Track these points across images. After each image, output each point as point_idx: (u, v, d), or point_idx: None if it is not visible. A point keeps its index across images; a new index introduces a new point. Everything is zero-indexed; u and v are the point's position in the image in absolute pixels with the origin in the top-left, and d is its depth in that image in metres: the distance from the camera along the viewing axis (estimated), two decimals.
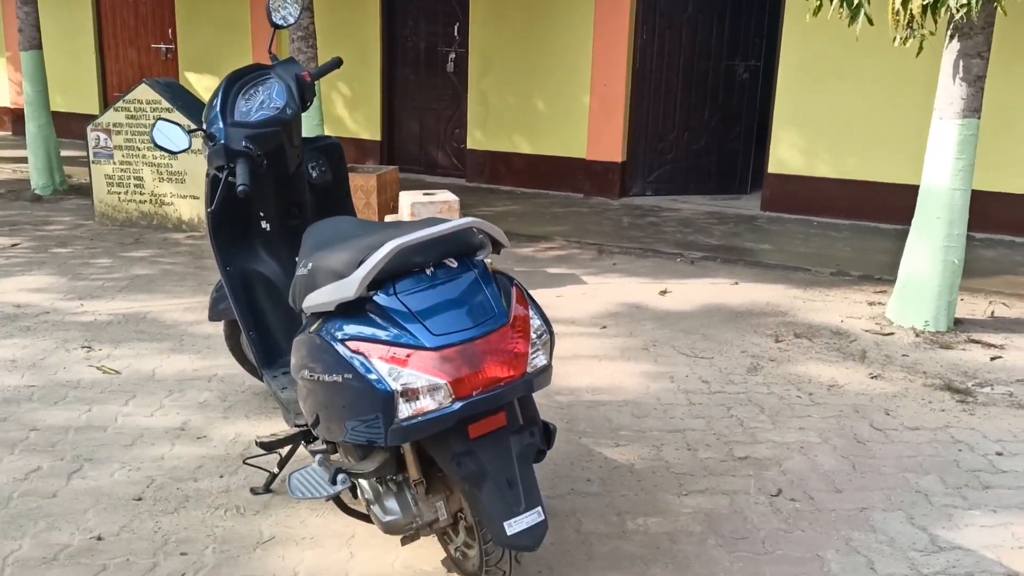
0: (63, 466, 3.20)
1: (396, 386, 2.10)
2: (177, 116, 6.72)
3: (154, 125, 2.80)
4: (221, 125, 2.90)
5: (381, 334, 2.14)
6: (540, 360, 2.26)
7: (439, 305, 2.18)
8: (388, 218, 5.89)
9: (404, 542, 2.51)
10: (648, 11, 8.29)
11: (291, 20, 3.23)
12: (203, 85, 10.38)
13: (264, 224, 3.23)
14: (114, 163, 6.98)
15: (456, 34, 9.10)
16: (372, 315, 2.19)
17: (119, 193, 7.05)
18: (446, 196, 5.74)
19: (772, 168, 8.04)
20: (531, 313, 2.29)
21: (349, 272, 2.20)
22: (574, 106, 8.63)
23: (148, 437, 3.45)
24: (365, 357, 2.13)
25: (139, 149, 6.89)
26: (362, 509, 2.56)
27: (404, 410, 2.10)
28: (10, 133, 11.75)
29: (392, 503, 2.39)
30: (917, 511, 3.05)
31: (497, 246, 2.39)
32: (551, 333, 2.34)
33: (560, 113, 8.73)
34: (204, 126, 2.99)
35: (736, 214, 8.10)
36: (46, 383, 3.94)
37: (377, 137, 9.67)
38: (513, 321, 2.21)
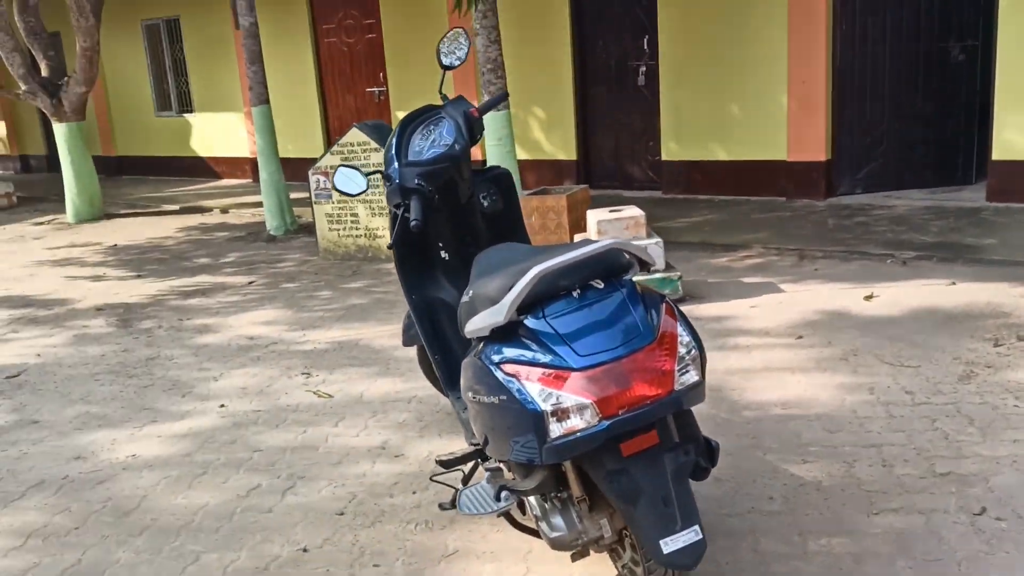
0: (279, 484, 3.54)
1: (545, 407, 2.18)
2: (380, 155, 7.23)
3: (335, 171, 3.06)
4: (396, 166, 3.12)
5: (531, 356, 2.24)
6: (690, 377, 2.26)
7: (586, 326, 2.25)
8: (577, 237, 6.00)
9: (574, 558, 2.58)
10: None
11: (458, 62, 3.42)
12: None
13: (443, 254, 3.43)
14: (332, 202, 7.60)
15: (646, 47, 9.12)
16: (524, 338, 2.29)
17: (338, 230, 7.66)
18: (632, 212, 5.77)
19: (997, 155, 7.40)
20: (680, 330, 2.30)
21: (501, 297, 2.32)
22: (771, 107, 8.38)
23: (353, 456, 3.75)
24: (517, 379, 2.23)
25: None
26: (532, 525, 2.66)
27: (555, 429, 2.18)
28: (251, 180, 13.03)
29: (558, 520, 2.46)
30: None
31: (644, 265, 2.42)
32: (701, 349, 2.33)
33: (756, 115, 8.50)
34: (383, 168, 3.23)
35: (957, 207, 7.52)
36: (270, 408, 4.37)
37: (573, 157, 9.84)
38: (660, 339, 2.23)
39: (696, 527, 2.21)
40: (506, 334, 2.33)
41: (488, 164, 6.98)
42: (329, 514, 3.26)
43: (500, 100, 3.57)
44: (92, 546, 3.15)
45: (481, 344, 2.43)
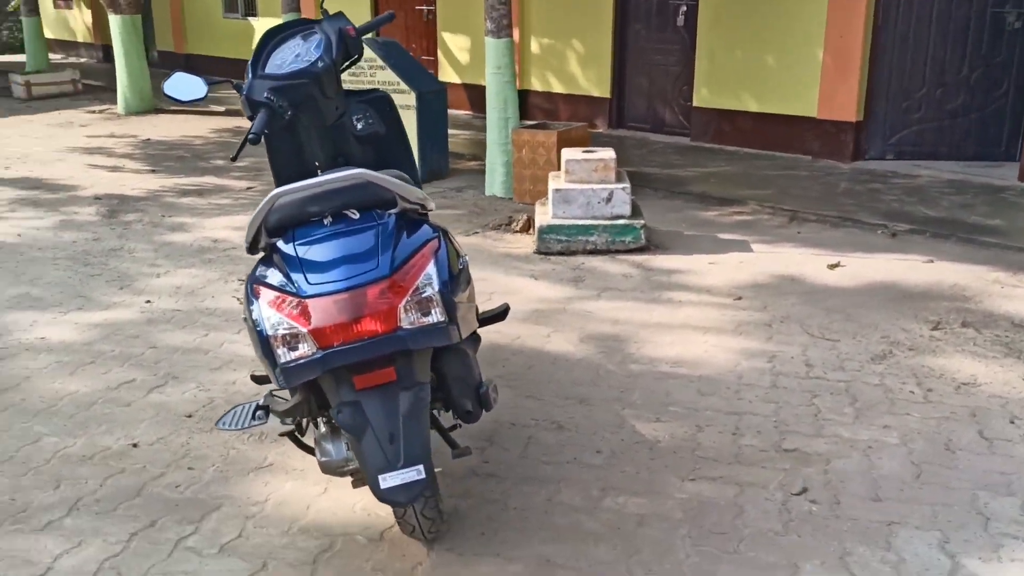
0: (151, 381, 3.65)
1: (271, 331, 2.18)
2: (388, 73, 7.19)
3: (169, 76, 3.03)
4: (250, 78, 3.09)
5: (272, 280, 2.23)
6: (430, 318, 2.21)
7: (325, 254, 2.22)
8: (551, 175, 5.88)
9: (355, 485, 2.59)
10: None
11: None
12: (456, 44, 10.91)
13: (319, 174, 3.41)
14: None
15: None
16: (274, 261, 2.28)
17: None
18: (604, 154, 5.61)
19: None
20: (430, 270, 2.24)
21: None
22: (806, 59, 7.96)
23: (234, 364, 3.82)
24: (256, 300, 2.23)
25: None
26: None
27: (283, 355, 2.18)
28: None
29: (328, 445, 2.47)
30: (960, 536, 2.58)
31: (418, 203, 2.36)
32: (449, 293, 2.27)
33: (790, 68, 8.10)
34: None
35: (984, 184, 7.07)
36: (190, 309, 4.48)
37: (607, 94, 9.59)
38: (395, 276, 2.18)
39: (420, 467, 2.19)
40: (268, 255, 2.33)
41: (487, 92, 6.87)
42: (179, 416, 3.35)
43: (383, 21, 3.47)
44: None
45: (256, 262, 2.43)
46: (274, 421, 2.49)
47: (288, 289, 2.19)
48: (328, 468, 2.48)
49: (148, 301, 4.58)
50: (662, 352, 3.93)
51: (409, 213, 2.43)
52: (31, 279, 4.94)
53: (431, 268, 2.24)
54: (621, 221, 5.46)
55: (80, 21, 18.15)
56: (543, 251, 5.45)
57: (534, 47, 10.12)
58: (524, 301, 4.58)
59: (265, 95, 2.97)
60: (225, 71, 14.59)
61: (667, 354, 3.91)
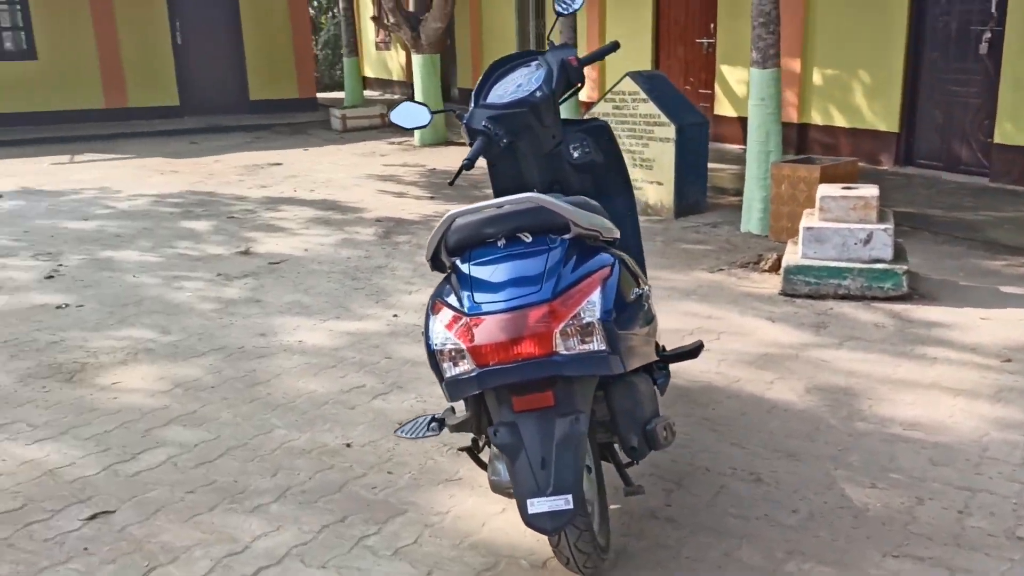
0: (379, 388, 3.92)
1: (439, 346, 2.26)
2: (649, 106, 7.21)
3: (398, 105, 3.23)
4: (472, 107, 3.24)
5: (448, 297, 2.31)
6: (589, 346, 2.18)
7: (494, 275, 2.26)
8: (806, 212, 5.56)
9: None
10: None
11: (570, 10, 3.42)
12: (734, 77, 10.70)
13: None
14: None
15: (994, 9, 7.91)
16: (451, 279, 2.37)
17: None
18: (866, 191, 5.21)
19: None
20: (594, 298, 2.20)
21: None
22: None
23: None
24: (433, 315, 2.32)
25: (620, 137, 7.52)
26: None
27: (448, 369, 2.25)
28: None
29: (499, 464, 2.51)
30: None
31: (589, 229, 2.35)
32: (613, 323, 2.21)
33: None
34: None
35: None
36: None
37: (895, 129, 8.91)
38: (557, 301, 2.18)
39: (568, 496, 2.16)
40: (448, 274, 2.42)
41: (749, 125, 6.67)
42: (392, 422, 3.56)
43: (608, 51, 3.48)
44: (210, 403, 3.78)
45: (441, 280, 2.54)
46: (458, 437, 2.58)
47: (457, 307, 2.26)
48: (496, 487, 2.52)
49: (395, 315, 4.93)
50: (897, 412, 3.57)
51: (589, 240, 2.42)
52: (305, 288, 5.50)
53: (596, 295, 2.22)
54: (880, 265, 5.04)
55: (395, 61, 20.01)
56: (789, 293, 5.16)
57: (816, 78, 9.66)
58: (754, 344, 4.37)
59: (483, 124, 3.11)
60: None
61: (903, 415, 3.54)
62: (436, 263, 2.45)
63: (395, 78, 20.19)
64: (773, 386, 3.86)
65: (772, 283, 5.34)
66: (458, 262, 2.38)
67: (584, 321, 2.18)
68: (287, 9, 16.71)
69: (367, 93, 18.79)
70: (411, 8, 12.11)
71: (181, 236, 7.02)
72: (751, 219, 6.73)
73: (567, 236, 2.34)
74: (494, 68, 3.34)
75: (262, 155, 11.73)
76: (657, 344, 3.89)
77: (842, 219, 5.20)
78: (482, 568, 2.57)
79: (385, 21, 12.70)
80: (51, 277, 5.79)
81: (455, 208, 2.43)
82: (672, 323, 4.67)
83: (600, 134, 3.44)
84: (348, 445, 3.38)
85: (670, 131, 7.14)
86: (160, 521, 2.82)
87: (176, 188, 9.27)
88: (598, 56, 3.48)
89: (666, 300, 5.08)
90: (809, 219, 5.36)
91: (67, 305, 5.16)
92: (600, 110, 7.64)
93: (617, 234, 2.57)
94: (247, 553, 2.64)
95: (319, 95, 18.45)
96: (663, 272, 5.67)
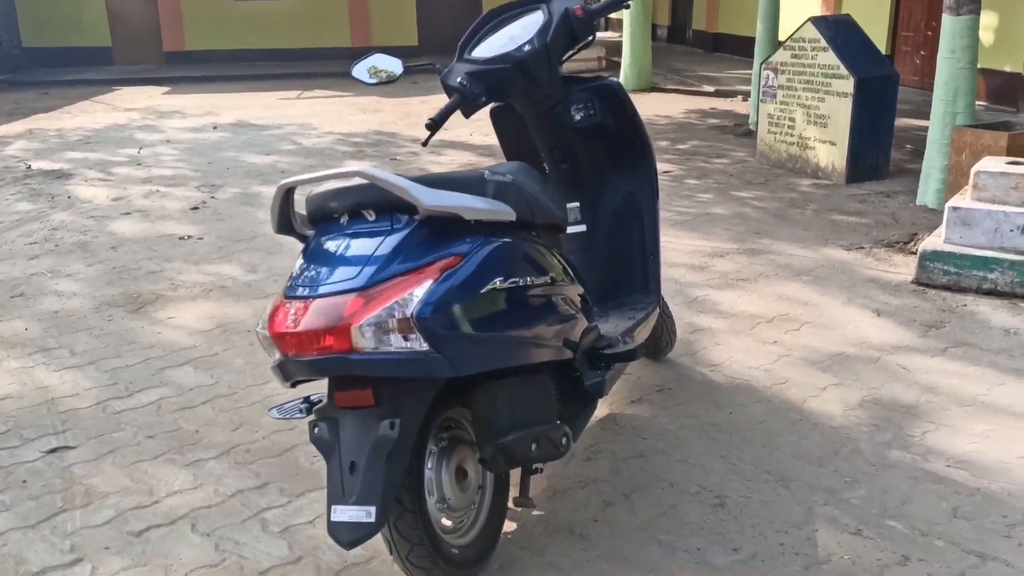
0: None
1: (259, 328, 2.09)
2: (828, 55, 6.39)
3: (363, 58, 2.98)
4: (455, 59, 2.95)
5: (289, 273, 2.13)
6: (405, 344, 1.90)
7: (322, 256, 2.03)
8: (963, 190, 4.67)
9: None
10: None
11: None
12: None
13: (545, 165, 3.18)
14: (776, 102, 7.01)
15: None
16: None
17: (776, 133, 7.08)
18: None
19: None
20: (418, 291, 1.92)
21: None
22: None
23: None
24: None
25: (796, 89, 6.77)
26: None
27: (272, 352, 2.08)
28: None
29: None
30: None
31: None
32: (441, 320, 1.91)
33: None
34: None
35: None
36: None
37: None
38: (370, 291, 1.91)
39: (371, 509, 1.93)
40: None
41: (936, 81, 5.71)
42: None
43: (622, 1, 3.03)
44: (234, 347, 3.84)
45: None
46: None
47: (284, 285, 2.08)
48: None
49: None
50: (955, 443, 2.91)
51: (472, 223, 2.10)
52: None
53: (421, 288, 1.93)
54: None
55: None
56: (923, 282, 4.39)
57: None
58: (835, 340, 3.76)
59: (459, 80, 2.84)
60: (748, 50, 14.38)
61: (958, 448, 2.89)
62: (293, 233, 2.25)
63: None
64: (822, 394, 3.29)
65: (910, 268, 4.57)
66: (311, 235, 2.18)
67: (397, 316, 1.91)
68: None
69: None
70: None
71: None
72: (928, 190, 5.81)
73: (417, 216, 2.06)
74: (488, 18, 3.03)
75: None
76: (664, 339, 3.45)
77: (999, 199, 4.32)
78: (354, 561, 2.41)
79: None
80: (196, 208, 6.21)
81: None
82: (754, 307, 4.14)
83: (609, 95, 3.04)
84: None
85: (848, 84, 6.28)
86: (105, 463, 2.91)
87: (366, 128, 9.61)
88: (611, 6, 3.06)
89: (767, 279, 4.51)
90: (959, 198, 4.51)
91: (189, 237, 5.51)
92: (779, 58, 6.89)
93: (506, 217, 2.22)
94: (150, 509, 2.65)
95: None
96: (786, 245, 5.05)
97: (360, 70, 2.93)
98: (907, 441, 2.94)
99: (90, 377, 3.56)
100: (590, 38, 2.96)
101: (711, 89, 11.40)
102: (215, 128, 9.73)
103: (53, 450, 3.00)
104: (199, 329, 4.04)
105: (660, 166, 7.08)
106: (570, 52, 2.99)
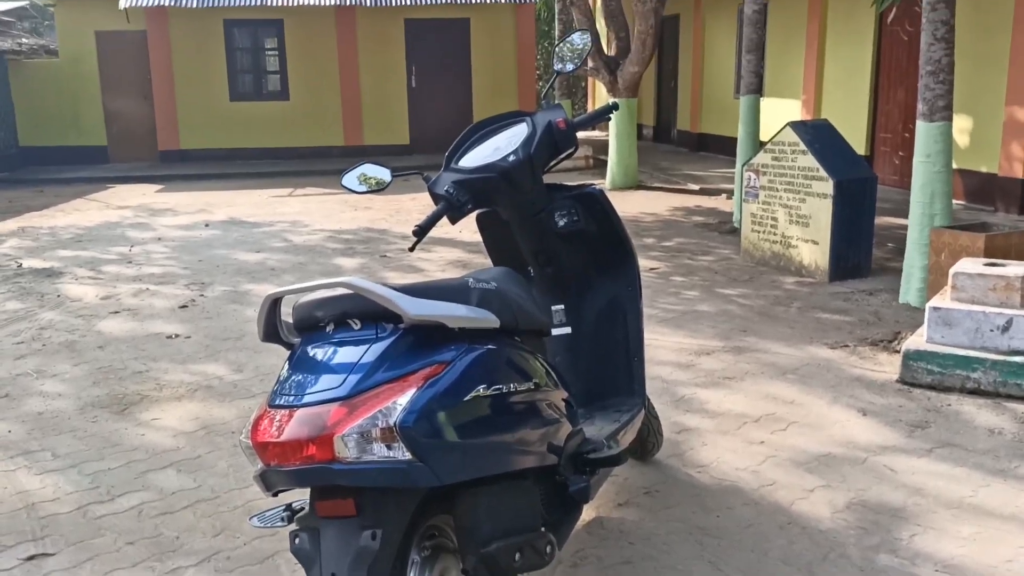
0: None
1: (242, 436, 2.09)
2: (808, 158, 6.57)
3: (353, 167, 3.06)
4: (442, 169, 3.04)
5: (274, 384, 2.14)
6: (388, 453, 1.90)
7: (308, 365, 2.05)
8: (942, 291, 4.75)
9: None
10: None
11: (572, 67, 3.16)
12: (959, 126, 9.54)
13: (530, 269, 3.24)
14: (758, 202, 7.17)
15: None
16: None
17: (759, 232, 7.22)
18: (1013, 270, 4.36)
19: None
20: (402, 400, 1.93)
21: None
22: None
23: None
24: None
25: (777, 190, 6.93)
26: None
27: (255, 461, 2.07)
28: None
29: None
30: None
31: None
32: (425, 428, 1.93)
33: None
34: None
35: None
36: None
37: None
38: (353, 400, 1.93)
39: None
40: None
41: (912, 184, 5.87)
42: None
43: (604, 113, 3.15)
44: (219, 450, 3.82)
45: None
46: None
47: (269, 394, 2.09)
48: None
49: None
50: (942, 547, 2.89)
51: (452, 331, 2.13)
52: None
53: (404, 397, 1.94)
54: (1020, 359, 4.19)
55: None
56: (908, 381, 4.42)
57: None
58: (822, 441, 3.76)
59: (446, 188, 2.91)
60: (731, 150, 14.76)
61: (946, 552, 2.86)
62: (280, 341, 2.27)
63: None
64: (810, 496, 3.28)
65: (895, 367, 4.60)
66: (297, 344, 2.20)
67: (379, 426, 1.92)
68: (515, 53, 17.17)
69: None
70: (612, 52, 11.99)
71: (327, 272, 7.32)
72: (910, 289, 5.90)
73: (402, 325, 2.09)
74: (474, 130, 3.14)
75: None
76: (650, 440, 3.45)
77: (978, 300, 4.39)
78: None
79: (585, 65, 12.68)
80: (184, 307, 6.24)
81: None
82: (741, 406, 4.15)
83: (592, 203, 3.12)
84: None
85: (827, 186, 6.45)
86: (83, 572, 2.86)
87: (357, 224, 9.75)
88: (593, 119, 3.18)
89: (754, 378, 4.53)
90: (939, 298, 4.59)
91: (177, 336, 5.52)
92: (760, 160, 7.08)
93: (490, 324, 2.26)
94: None
95: None
96: (772, 343, 5.09)
97: (350, 179, 3.00)
98: (895, 545, 2.92)
99: (72, 481, 3.52)
100: (572, 149, 3.06)
101: (696, 187, 11.64)
102: (207, 226, 9.85)
103: (31, 557, 2.95)
104: (183, 431, 4.01)
105: (646, 263, 7.22)
106: (553, 162, 3.08)
